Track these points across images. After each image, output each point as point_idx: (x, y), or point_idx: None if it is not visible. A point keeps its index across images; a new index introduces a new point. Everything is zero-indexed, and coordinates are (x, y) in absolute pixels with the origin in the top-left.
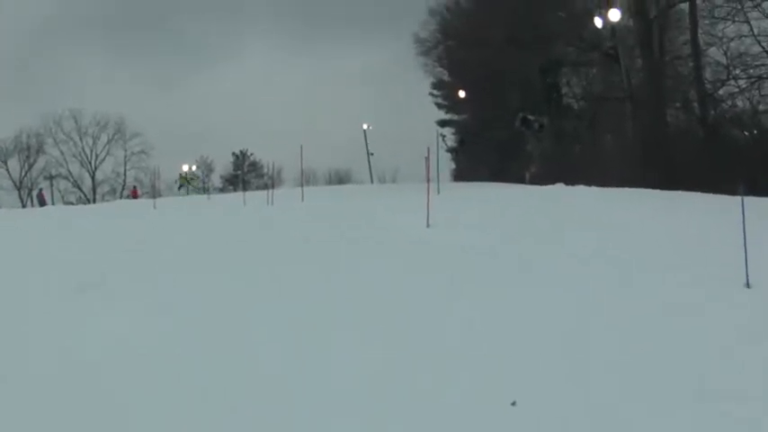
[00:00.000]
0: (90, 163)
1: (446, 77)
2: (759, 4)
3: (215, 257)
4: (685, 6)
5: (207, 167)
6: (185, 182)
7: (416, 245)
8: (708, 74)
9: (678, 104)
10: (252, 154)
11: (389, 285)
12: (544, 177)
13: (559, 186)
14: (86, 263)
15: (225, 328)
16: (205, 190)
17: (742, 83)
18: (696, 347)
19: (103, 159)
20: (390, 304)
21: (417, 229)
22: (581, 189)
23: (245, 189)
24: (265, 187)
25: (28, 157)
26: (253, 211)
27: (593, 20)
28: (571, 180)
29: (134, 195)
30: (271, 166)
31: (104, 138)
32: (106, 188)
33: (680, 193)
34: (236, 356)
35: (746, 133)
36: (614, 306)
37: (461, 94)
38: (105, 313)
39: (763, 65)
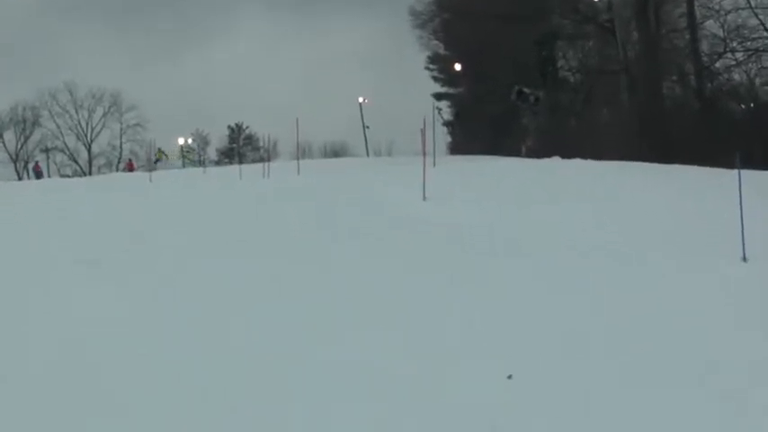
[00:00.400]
0: (86, 136)
1: (442, 51)
2: None
3: (211, 238)
4: None
5: (203, 141)
6: (162, 156)
7: (412, 220)
8: (704, 47)
9: (674, 77)
10: (248, 127)
11: (384, 265)
12: (540, 151)
13: (555, 159)
14: (80, 239)
15: (219, 316)
16: (201, 162)
17: (739, 56)
18: (694, 323)
19: (99, 132)
20: (386, 285)
21: (413, 202)
22: (577, 162)
23: (240, 162)
24: (261, 160)
25: (24, 129)
26: (249, 185)
27: None
28: (567, 153)
29: (130, 168)
30: (266, 140)
31: (100, 111)
32: (102, 161)
33: (676, 166)
34: (230, 345)
35: (743, 106)
36: (611, 282)
37: (457, 67)
38: (98, 294)
39: (760, 37)
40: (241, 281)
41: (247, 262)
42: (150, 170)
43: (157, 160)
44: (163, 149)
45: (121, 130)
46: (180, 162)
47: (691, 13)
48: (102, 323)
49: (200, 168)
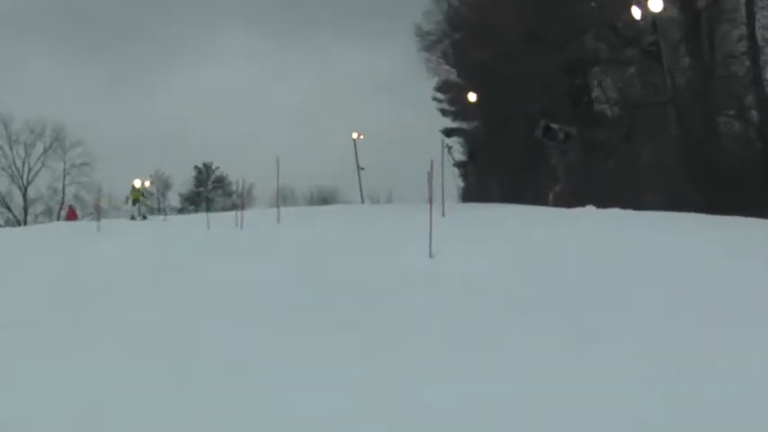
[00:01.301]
0: (21, 177)
1: (453, 77)
2: None
3: (167, 312)
4: None
5: (163, 183)
6: (139, 196)
7: (413, 285)
8: None
9: (732, 111)
10: (218, 168)
11: (379, 341)
12: (571, 198)
13: (589, 209)
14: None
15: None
16: (161, 210)
17: None
18: None
19: (38, 173)
20: (384, 365)
21: (416, 261)
22: (615, 213)
23: (209, 209)
24: (233, 207)
25: None
26: (218, 237)
27: (629, 10)
28: (603, 201)
29: (70, 217)
30: (240, 183)
31: (39, 147)
32: (40, 208)
33: (737, 219)
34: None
35: None
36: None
37: (471, 97)
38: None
39: None
40: (203, 359)
41: (210, 333)
42: (98, 219)
43: (135, 201)
44: (140, 188)
45: (65, 170)
46: (133, 208)
47: (751, 36)
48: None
49: (160, 216)
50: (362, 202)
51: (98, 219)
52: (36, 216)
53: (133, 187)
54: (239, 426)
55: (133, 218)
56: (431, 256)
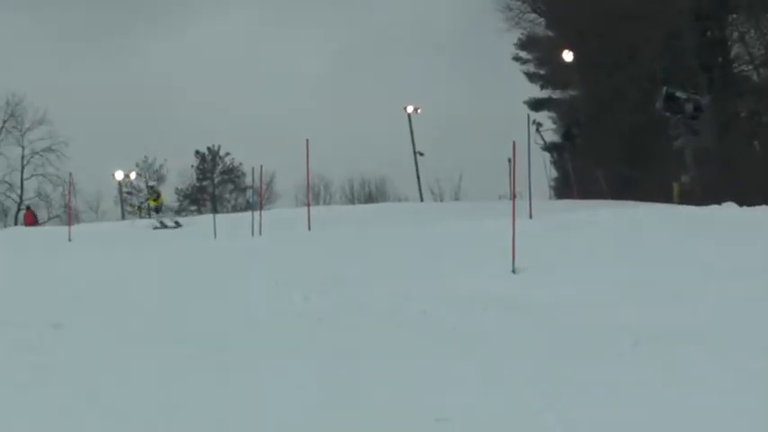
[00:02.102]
0: None
1: (542, 30)
2: None
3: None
4: None
5: (154, 176)
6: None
7: (492, 306)
8: None
9: None
10: (227, 154)
11: (451, 377)
12: (703, 192)
13: (728, 207)
14: None
15: None
16: (143, 209)
17: None
18: None
19: None
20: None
21: (496, 277)
22: (763, 212)
23: (215, 209)
24: (248, 207)
25: None
26: (226, 250)
27: None
28: (746, 197)
29: (28, 221)
30: (258, 173)
31: None
32: None
33: None
34: None
35: None
36: None
37: (567, 56)
38: None
39: None
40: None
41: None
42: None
43: (151, 209)
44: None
45: (23, 157)
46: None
47: None
48: None
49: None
50: (421, 199)
51: (69, 223)
52: None
53: (151, 189)
54: None
55: (163, 225)
56: (514, 271)
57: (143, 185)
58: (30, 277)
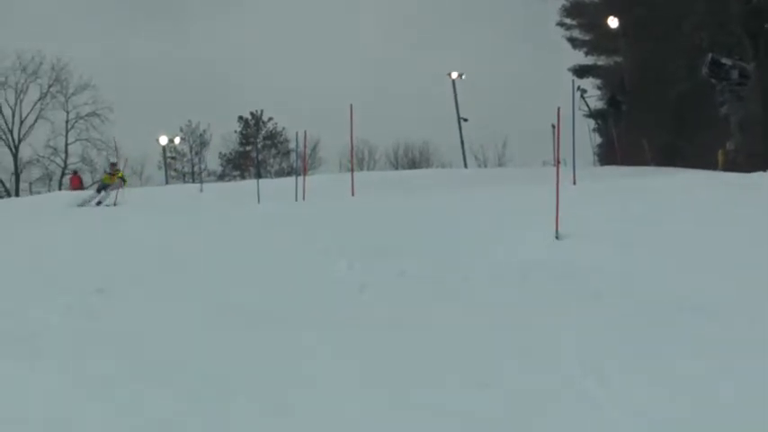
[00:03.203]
0: (11, 132)
1: None
2: None
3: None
4: None
5: (198, 141)
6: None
7: (537, 271)
8: None
9: None
10: (270, 119)
11: (495, 342)
12: (749, 159)
13: None
14: None
15: None
16: (194, 176)
17: None
18: None
19: (33, 126)
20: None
21: (540, 243)
22: None
23: (259, 174)
24: (291, 172)
25: None
26: (269, 215)
27: None
28: None
29: (74, 185)
30: (301, 138)
31: (35, 92)
32: (36, 173)
33: None
34: None
35: None
36: None
37: (613, 22)
38: None
39: None
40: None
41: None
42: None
43: None
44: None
45: (67, 122)
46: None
47: None
48: None
49: (196, 185)
50: (465, 165)
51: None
52: (31, 184)
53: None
54: None
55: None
56: (558, 237)
57: (187, 150)
58: (76, 242)
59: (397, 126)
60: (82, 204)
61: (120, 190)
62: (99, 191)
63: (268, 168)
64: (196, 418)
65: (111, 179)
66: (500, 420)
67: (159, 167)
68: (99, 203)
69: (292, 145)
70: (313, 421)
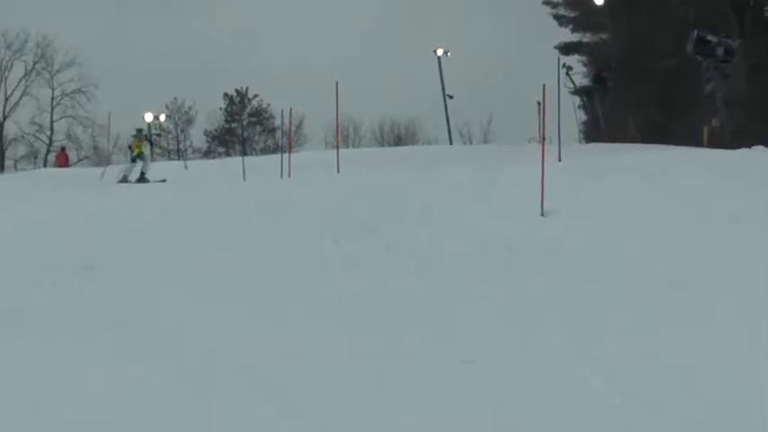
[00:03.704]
0: None
1: None
2: None
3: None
4: None
5: (182, 118)
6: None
7: (522, 248)
8: None
9: None
10: (255, 96)
11: (479, 320)
12: (734, 136)
13: (759, 151)
14: None
15: None
16: (180, 153)
17: None
18: None
19: (17, 103)
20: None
21: (525, 220)
22: None
23: (244, 151)
24: (276, 149)
25: None
26: (255, 192)
27: None
28: None
29: (61, 162)
30: (287, 115)
31: (19, 68)
32: (21, 150)
33: None
34: None
35: None
36: None
37: (598, 0)
38: None
39: None
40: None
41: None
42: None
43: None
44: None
45: (53, 99)
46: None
47: None
48: None
49: (180, 162)
50: (450, 142)
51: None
52: (16, 161)
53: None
54: None
55: (125, 180)
56: (543, 214)
57: (172, 127)
58: (62, 218)
59: (383, 103)
60: (123, 180)
61: (146, 163)
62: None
63: (253, 146)
64: (183, 393)
65: (138, 147)
66: (486, 396)
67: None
68: (142, 177)
69: (278, 122)
70: (300, 395)
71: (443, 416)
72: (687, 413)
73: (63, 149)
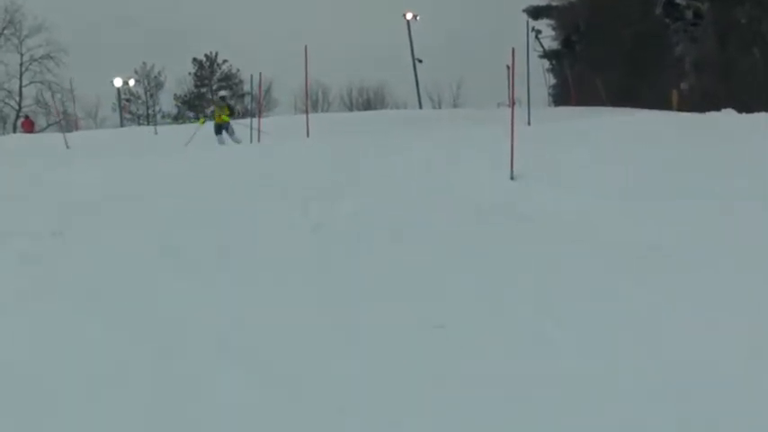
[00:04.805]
0: None
1: None
2: None
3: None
4: None
5: (152, 83)
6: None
7: (491, 213)
8: None
9: None
10: (225, 61)
11: (450, 286)
12: (702, 100)
13: (727, 114)
14: None
15: None
16: (149, 118)
17: None
18: None
19: None
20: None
21: (494, 184)
22: (764, 119)
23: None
24: (246, 115)
25: None
26: (224, 159)
27: None
28: (746, 104)
29: (27, 129)
30: (256, 80)
31: None
32: None
33: None
34: None
35: None
36: None
37: None
38: None
39: None
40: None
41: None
42: (65, 131)
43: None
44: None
45: (21, 64)
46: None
47: None
48: None
49: (150, 127)
50: (420, 106)
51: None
52: None
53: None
54: None
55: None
56: (512, 178)
57: (141, 92)
58: (29, 186)
59: (352, 67)
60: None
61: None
62: (218, 133)
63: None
64: (147, 360)
65: (221, 117)
66: (456, 361)
67: (114, 110)
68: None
69: (247, 87)
70: (267, 364)
71: (416, 381)
72: (639, 361)
73: (27, 116)
